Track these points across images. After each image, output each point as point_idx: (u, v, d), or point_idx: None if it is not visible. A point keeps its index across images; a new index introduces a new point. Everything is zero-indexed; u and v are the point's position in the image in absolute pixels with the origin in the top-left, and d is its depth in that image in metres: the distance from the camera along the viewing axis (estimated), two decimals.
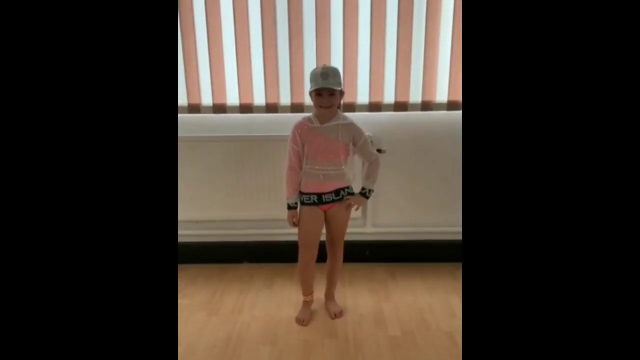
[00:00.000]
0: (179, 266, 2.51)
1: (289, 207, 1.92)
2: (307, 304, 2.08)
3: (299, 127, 1.87)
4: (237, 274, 2.48)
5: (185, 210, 2.37)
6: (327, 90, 1.77)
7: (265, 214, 2.49)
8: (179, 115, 2.36)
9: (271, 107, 2.38)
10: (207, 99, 2.40)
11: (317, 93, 1.79)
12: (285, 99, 2.39)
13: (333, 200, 1.91)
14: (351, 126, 1.88)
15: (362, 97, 2.37)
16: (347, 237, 2.52)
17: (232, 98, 2.39)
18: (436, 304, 2.16)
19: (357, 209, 1.99)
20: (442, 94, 2.38)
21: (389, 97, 2.37)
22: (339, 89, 1.81)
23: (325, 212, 1.95)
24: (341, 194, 1.92)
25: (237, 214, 2.51)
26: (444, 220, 2.53)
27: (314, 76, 1.79)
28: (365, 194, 1.94)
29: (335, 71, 1.79)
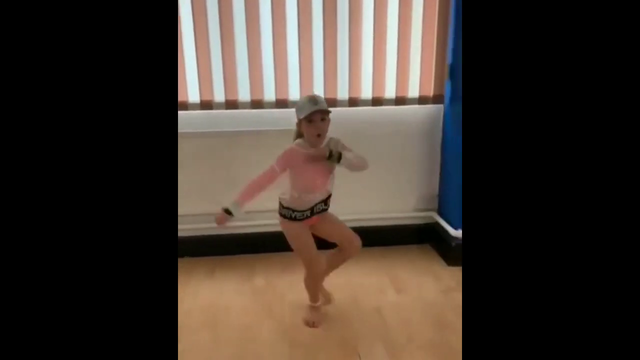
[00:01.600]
0: None
1: (227, 212, 1.78)
2: (315, 308, 2.00)
3: (288, 156, 1.79)
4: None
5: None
6: (320, 115, 1.72)
7: (199, 209, 2.53)
8: None
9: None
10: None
11: (308, 120, 1.72)
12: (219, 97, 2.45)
13: (323, 210, 1.90)
14: (335, 140, 1.86)
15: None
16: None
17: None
18: (367, 283, 2.29)
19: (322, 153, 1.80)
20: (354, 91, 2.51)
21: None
22: (330, 111, 1.76)
23: (312, 225, 1.91)
24: (328, 202, 1.92)
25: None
26: (381, 208, 2.71)
27: (301, 105, 1.74)
28: (338, 156, 1.76)
29: (322, 98, 1.77)
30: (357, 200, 2.62)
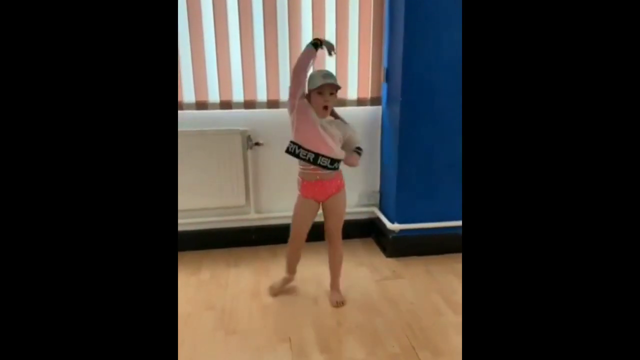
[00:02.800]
0: None
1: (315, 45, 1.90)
2: (285, 280, 2.24)
3: (302, 104, 1.89)
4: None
5: None
6: (330, 88, 1.88)
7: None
8: None
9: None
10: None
11: (318, 92, 1.87)
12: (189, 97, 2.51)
13: (327, 167, 1.93)
14: (338, 122, 2.03)
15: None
16: (233, 224, 2.78)
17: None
18: (305, 275, 2.39)
19: (351, 163, 2.04)
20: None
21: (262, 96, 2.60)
22: (340, 87, 1.93)
23: (324, 202, 2.05)
24: (335, 165, 1.97)
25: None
26: None
27: (314, 76, 1.89)
28: (359, 151, 2.04)
29: (333, 74, 1.92)
30: None
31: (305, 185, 2.02)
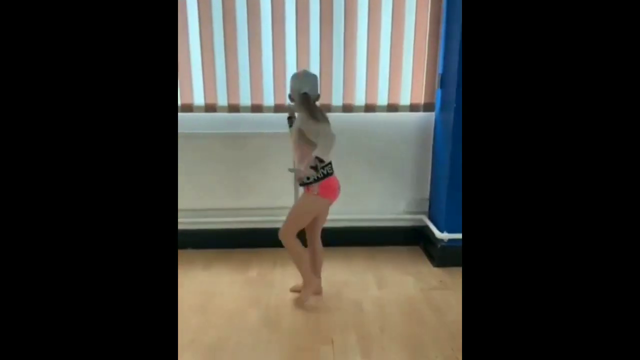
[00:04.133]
0: None
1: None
2: (315, 284, 2.22)
3: None
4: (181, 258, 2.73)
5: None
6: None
7: (203, 204, 2.75)
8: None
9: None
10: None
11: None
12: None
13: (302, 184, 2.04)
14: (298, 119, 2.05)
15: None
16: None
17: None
18: (352, 280, 2.42)
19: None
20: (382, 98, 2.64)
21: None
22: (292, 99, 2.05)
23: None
24: (308, 180, 2.01)
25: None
26: (374, 210, 2.84)
27: (316, 82, 2.03)
28: (313, 165, 1.94)
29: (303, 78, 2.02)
30: (351, 202, 2.75)
31: None
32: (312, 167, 1.94)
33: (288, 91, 2.07)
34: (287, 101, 2.32)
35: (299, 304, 2.19)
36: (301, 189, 2.13)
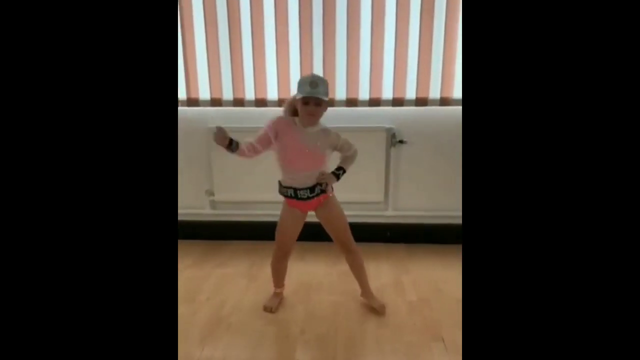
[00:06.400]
0: (223, 242, 2.86)
1: (229, 146, 1.71)
2: (276, 295, 2.16)
3: (280, 123, 1.84)
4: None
5: (225, 193, 2.77)
6: (314, 100, 1.76)
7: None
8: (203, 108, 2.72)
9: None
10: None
11: (304, 102, 1.77)
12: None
13: (308, 197, 1.90)
14: (328, 133, 1.87)
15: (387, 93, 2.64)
16: (370, 219, 2.82)
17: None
18: (449, 276, 2.41)
19: (325, 187, 1.91)
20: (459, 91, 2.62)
21: (410, 93, 2.64)
22: (326, 99, 1.79)
23: (316, 213, 1.98)
24: (316, 190, 1.90)
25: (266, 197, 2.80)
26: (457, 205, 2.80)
27: (302, 84, 1.76)
28: (338, 174, 1.91)
29: (324, 81, 1.78)
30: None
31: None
32: (335, 175, 1.91)
33: (306, 94, 1.76)
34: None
35: (400, 299, 2.19)
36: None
